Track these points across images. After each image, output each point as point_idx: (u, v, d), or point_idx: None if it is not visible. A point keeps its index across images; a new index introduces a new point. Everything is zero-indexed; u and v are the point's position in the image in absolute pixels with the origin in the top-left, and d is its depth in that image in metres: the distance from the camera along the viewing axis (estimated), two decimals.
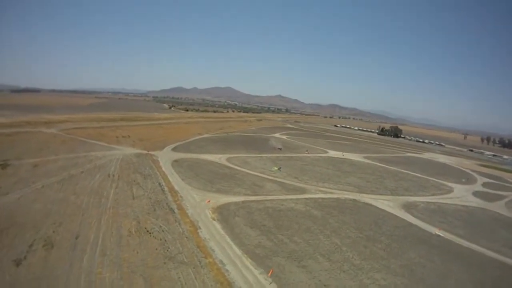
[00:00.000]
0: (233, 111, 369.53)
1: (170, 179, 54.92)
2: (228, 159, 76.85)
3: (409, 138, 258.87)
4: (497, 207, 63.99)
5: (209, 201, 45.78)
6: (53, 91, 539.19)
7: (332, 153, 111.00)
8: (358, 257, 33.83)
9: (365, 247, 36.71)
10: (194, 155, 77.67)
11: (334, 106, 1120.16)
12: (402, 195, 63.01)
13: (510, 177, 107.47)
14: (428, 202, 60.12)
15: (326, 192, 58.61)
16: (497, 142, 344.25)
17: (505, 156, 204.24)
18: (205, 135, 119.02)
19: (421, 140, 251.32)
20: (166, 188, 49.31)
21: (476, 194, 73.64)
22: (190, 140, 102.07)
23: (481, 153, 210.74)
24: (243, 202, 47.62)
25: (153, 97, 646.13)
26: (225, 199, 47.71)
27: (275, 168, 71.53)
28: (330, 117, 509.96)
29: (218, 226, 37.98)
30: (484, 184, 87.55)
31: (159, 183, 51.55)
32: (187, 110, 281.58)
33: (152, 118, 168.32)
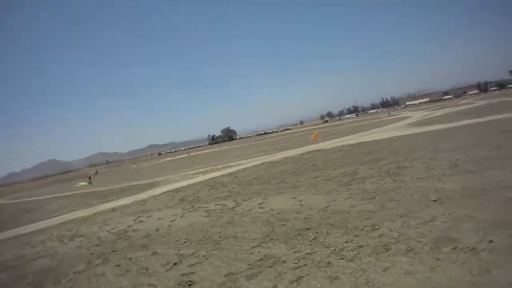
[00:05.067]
0: None
1: None
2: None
3: (247, 136, 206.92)
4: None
5: None
6: None
7: (175, 157, 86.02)
8: None
9: None
10: None
11: (152, 146, 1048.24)
12: (368, 129, 32.15)
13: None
14: (429, 118, 32.66)
15: (229, 167, 21.14)
16: (338, 118, 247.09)
17: (371, 111, 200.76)
18: None
19: (263, 132, 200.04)
20: None
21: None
22: None
23: (340, 119, 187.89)
24: None
25: None
26: None
27: (83, 182, 40.07)
28: (151, 154, 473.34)
29: None
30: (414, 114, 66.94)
31: None
32: None
33: None
